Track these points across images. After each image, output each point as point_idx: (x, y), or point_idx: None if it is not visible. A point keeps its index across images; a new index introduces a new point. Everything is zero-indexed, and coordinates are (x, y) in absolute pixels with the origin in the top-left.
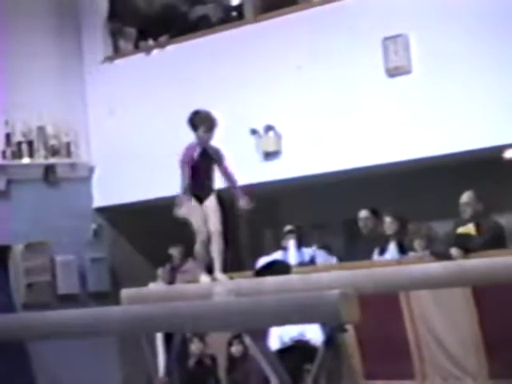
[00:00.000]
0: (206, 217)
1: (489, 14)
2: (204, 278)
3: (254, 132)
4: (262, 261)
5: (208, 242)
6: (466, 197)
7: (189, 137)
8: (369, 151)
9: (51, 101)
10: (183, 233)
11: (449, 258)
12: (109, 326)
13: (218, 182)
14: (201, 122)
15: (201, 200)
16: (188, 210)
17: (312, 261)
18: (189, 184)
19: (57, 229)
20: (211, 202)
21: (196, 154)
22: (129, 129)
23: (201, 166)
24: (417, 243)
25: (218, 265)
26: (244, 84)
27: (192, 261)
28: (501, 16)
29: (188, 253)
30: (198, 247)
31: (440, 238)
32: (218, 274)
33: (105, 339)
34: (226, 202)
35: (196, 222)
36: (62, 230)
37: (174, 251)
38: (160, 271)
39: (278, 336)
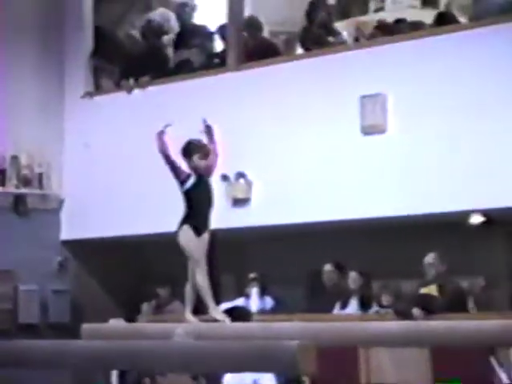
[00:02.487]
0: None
1: (467, 79)
2: (219, 316)
3: (224, 178)
4: (224, 306)
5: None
6: (429, 258)
7: (161, 178)
8: (338, 206)
9: (27, 131)
10: (148, 271)
11: (410, 317)
12: (67, 359)
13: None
14: (195, 149)
15: (198, 233)
16: (187, 239)
17: (273, 309)
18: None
19: (23, 258)
20: (204, 239)
21: (190, 181)
22: (102, 165)
23: (199, 198)
24: (384, 299)
25: (189, 306)
26: (219, 129)
27: (178, 301)
28: (479, 80)
29: (175, 293)
30: (203, 279)
31: (403, 297)
32: (188, 314)
33: (60, 371)
34: (216, 242)
35: (196, 251)
36: (27, 260)
37: (162, 291)
38: (145, 306)
39: (233, 382)
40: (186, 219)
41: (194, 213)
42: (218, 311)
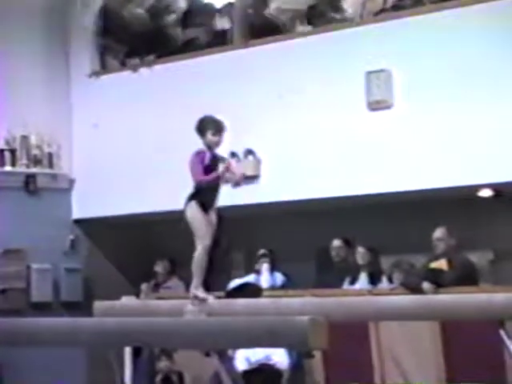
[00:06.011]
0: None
1: (472, 53)
2: (201, 295)
3: (233, 155)
4: (234, 283)
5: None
6: (438, 232)
7: (169, 156)
8: (346, 182)
9: (36, 111)
10: (159, 249)
11: (420, 291)
12: (80, 337)
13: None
14: (208, 125)
15: (205, 210)
16: (194, 214)
17: (284, 285)
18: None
19: (34, 237)
20: (212, 216)
21: (206, 158)
22: (111, 144)
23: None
24: (395, 276)
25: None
26: (226, 107)
27: (177, 278)
28: (485, 54)
29: (173, 270)
30: (199, 256)
31: (413, 272)
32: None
33: (75, 349)
34: (223, 221)
35: (201, 229)
36: (39, 239)
37: (159, 267)
38: (144, 286)
39: (245, 358)
40: (194, 195)
41: (203, 189)
42: (199, 290)
